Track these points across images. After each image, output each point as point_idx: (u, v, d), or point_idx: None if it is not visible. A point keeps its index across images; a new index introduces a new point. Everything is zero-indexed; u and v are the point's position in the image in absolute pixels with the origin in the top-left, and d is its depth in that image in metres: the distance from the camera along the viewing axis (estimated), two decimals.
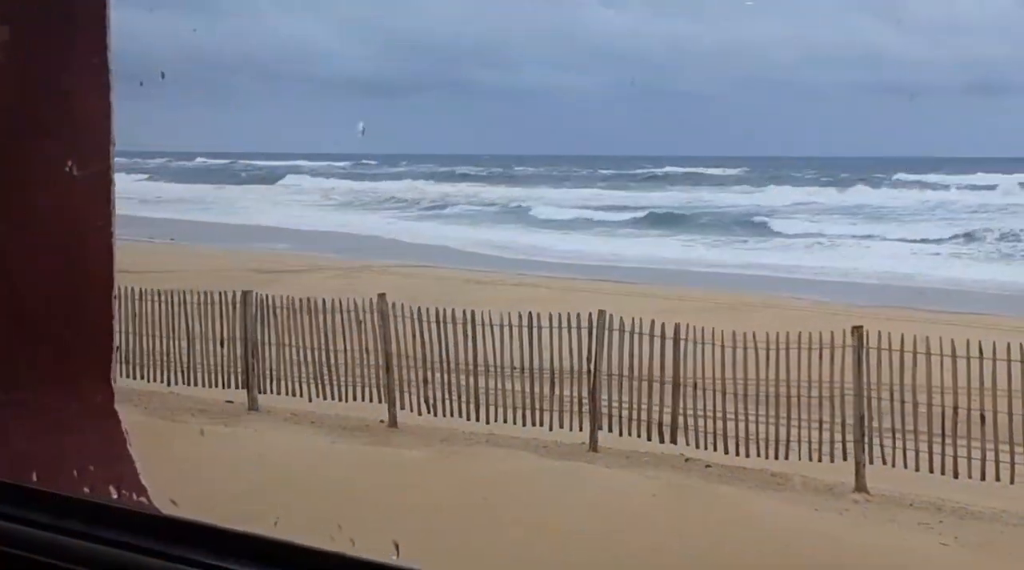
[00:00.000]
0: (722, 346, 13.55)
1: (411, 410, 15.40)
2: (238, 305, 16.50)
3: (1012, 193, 76.06)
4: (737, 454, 13.36)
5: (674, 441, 13.77)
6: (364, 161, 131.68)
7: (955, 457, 12.13)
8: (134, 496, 1.98)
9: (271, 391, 16.27)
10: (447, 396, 15.23)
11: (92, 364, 2.07)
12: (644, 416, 13.95)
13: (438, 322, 15.27)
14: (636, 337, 14.00)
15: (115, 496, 1.96)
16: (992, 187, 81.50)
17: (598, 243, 48.31)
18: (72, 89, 2.04)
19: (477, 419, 15.03)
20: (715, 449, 13.48)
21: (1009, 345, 11.89)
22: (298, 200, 74.85)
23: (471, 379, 15.09)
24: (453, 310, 15.29)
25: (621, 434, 14.07)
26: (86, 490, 1.96)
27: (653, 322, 14.02)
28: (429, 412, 15.33)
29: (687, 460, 13.54)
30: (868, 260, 41.37)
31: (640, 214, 61.32)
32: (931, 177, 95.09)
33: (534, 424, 14.68)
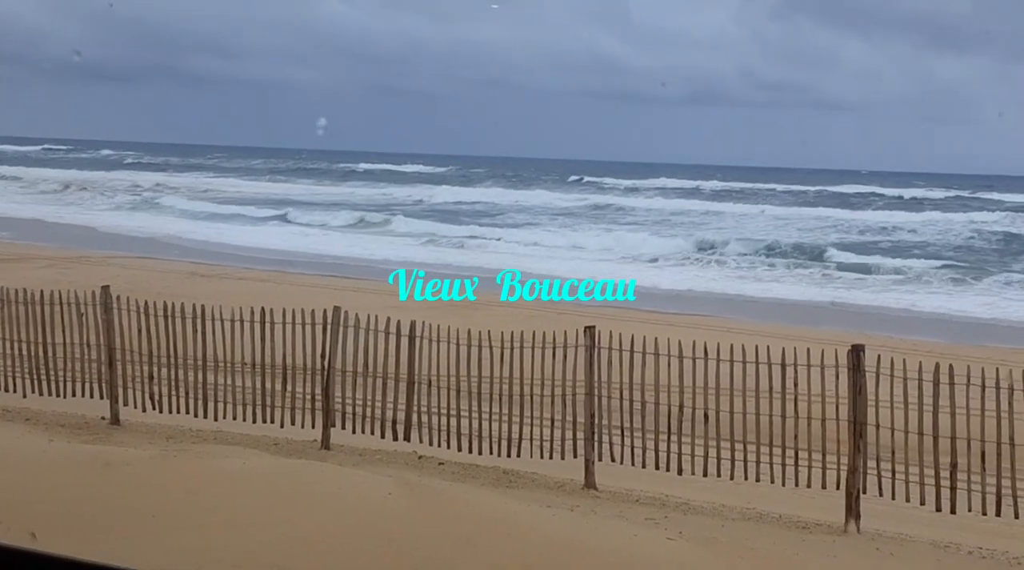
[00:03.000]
0: (457, 344, 13.59)
1: (135, 407, 14.82)
2: None
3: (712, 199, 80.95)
4: (470, 451, 13.43)
5: (407, 439, 13.72)
6: (51, 146, 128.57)
7: (680, 454, 12.52)
8: None
9: None
10: (174, 392, 14.73)
11: None
12: (378, 414, 13.85)
13: (166, 316, 14.74)
14: (371, 334, 13.88)
15: None
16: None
17: (284, 235, 49.62)
18: None
19: (205, 416, 14.60)
20: (448, 447, 13.50)
21: (732, 346, 12.35)
22: None
23: (199, 375, 14.64)
24: (183, 304, 14.79)
25: (354, 431, 13.93)
26: None
27: (388, 319, 13.93)
28: (154, 409, 14.79)
29: (420, 458, 13.52)
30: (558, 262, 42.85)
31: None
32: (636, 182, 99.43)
33: (265, 421, 14.37)
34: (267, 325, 14.34)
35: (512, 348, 13.28)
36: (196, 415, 14.65)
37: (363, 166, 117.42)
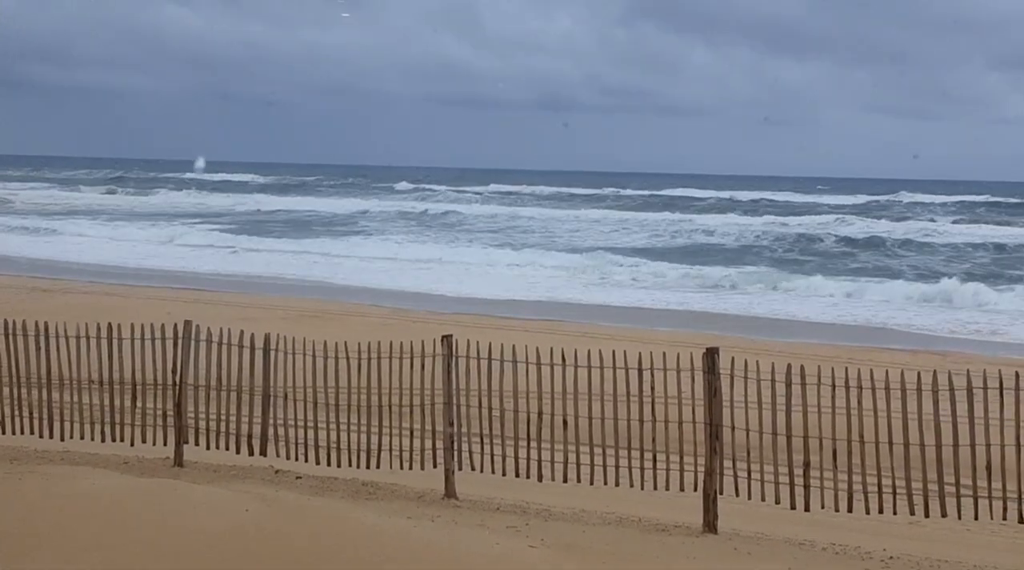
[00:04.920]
0: (313, 355, 13.39)
1: None
2: None
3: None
4: (329, 464, 13.24)
5: (264, 453, 13.47)
6: None
7: (540, 461, 12.52)
8: None
9: None
10: (16, 412, 14.23)
11: None
12: (233, 428, 13.56)
13: (6, 333, 14.23)
14: (225, 347, 13.59)
15: None
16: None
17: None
18: None
19: (51, 436, 14.13)
20: (306, 460, 13.29)
21: (589, 352, 12.41)
22: None
23: (44, 393, 14.17)
24: (24, 321, 14.30)
25: (208, 447, 13.62)
26: None
27: (242, 332, 13.66)
28: None
29: (277, 472, 13.29)
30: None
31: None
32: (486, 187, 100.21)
33: (114, 440, 13.96)
34: (115, 341, 13.94)
35: (369, 359, 13.13)
36: (41, 435, 14.17)
37: (189, 175, 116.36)
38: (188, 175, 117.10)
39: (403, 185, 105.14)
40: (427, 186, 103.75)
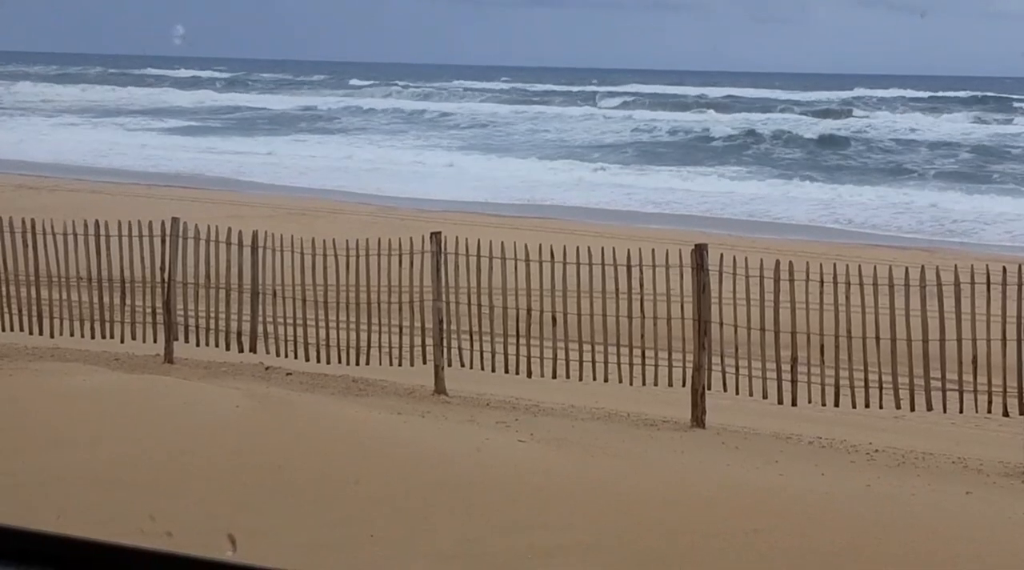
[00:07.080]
0: (301, 253, 13.38)
1: None
2: None
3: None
4: (318, 361, 13.29)
5: (253, 350, 13.51)
6: None
7: (529, 357, 12.58)
8: None
9: None
10: (6, 310, 14.24)
11: None
12: (222, 325, 13.58)
13: None
14: (213, 245, 13.56)
15: None
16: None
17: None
18: None
19: (40, 332, 14.15)
20: (296, 357, 13.34)
21: (578, 249, 12.41)
22: None
23: (32, 291, 14.16)
24: (11, 218, 14.25)
25: (198, 344, 13.65)
26: None
27: (230, 230, 13.62)
28: None
29: (268, 369, 13.33)
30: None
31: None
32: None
33: (104, 336, 13.99)
34: (102, 238, 13.91)
35: (358, 256, 13.12)
36: (31, 332, 14.19)
37: (151, 71, 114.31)
38: (150, 71, 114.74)
39: (360, 82, 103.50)
40: (396, 82, 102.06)
